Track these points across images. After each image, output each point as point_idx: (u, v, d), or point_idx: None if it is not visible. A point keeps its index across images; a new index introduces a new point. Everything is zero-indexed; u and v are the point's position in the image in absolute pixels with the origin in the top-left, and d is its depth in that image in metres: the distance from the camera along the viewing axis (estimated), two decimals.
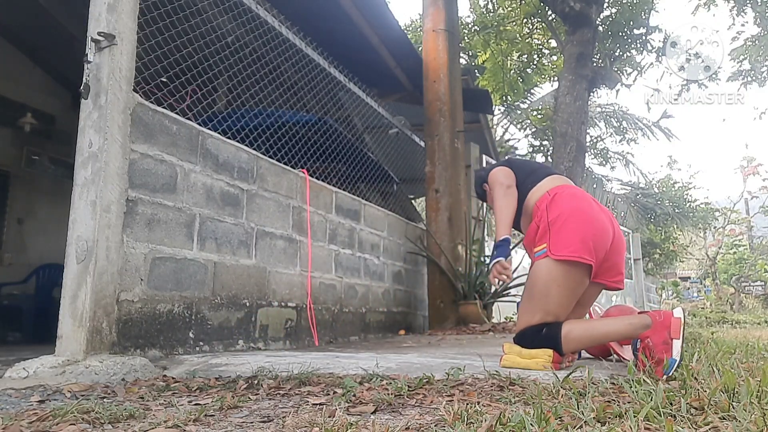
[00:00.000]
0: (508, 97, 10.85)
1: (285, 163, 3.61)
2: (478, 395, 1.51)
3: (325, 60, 4.49)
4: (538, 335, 2.15)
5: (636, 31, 8.21)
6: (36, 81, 6.41)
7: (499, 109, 14.20)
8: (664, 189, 19.35)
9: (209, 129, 2.95)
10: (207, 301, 2.80)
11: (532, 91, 13.67)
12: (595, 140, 17.00)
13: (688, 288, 28.85)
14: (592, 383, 1.51)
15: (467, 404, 1.32)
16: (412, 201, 7.84)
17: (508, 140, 17.05)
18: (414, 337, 4.57)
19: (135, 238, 2.38)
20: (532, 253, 2.30)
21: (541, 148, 14.96)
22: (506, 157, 2.91)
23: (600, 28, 7.69)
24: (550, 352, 2.07)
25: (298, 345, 3.52)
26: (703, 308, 18.68)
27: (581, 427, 1.10)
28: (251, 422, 1.29)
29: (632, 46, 8.46)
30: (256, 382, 1.81)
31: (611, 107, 17.14)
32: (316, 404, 1.46)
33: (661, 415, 1.13)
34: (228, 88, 3.84)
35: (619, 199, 17.62)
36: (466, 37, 10.75)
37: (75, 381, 1.90)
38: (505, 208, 2.35)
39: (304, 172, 3.75)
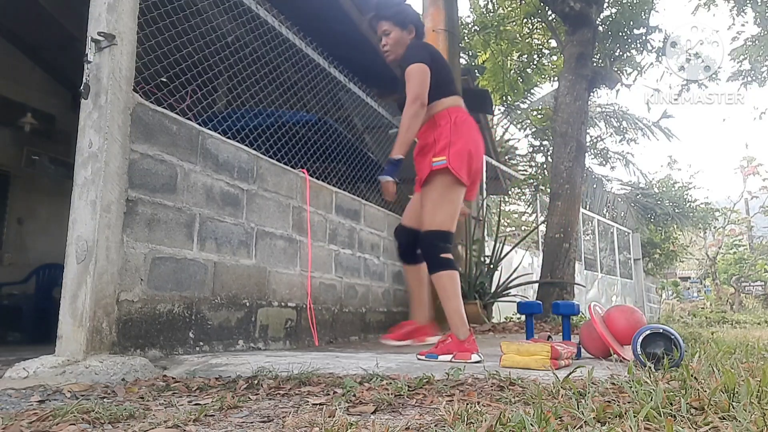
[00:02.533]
0: (508, 97, 10.85)
1: (285, 163, 3.61)
2: (478, 395, 1.51)
3: (325, 60, 4.49)
4: (438, 249, 2.54)
5: (636, 31, 8.20)
6: (36, 81, 6.41)
7: (499, 109, 14.20)
8: (664, 189, 19.34)
9: (209, 129, 2.95)
10: (207, 301, 2.80)
11: (532, 91, 13.66)
12: (595, 140, 16.99)
13: (688, 288, 28.88)
14: (592, 383, 1.51)
15: (467, 404, 1.31)
16: None
17: (508, 140, 17.05)
18: None
19: (135, 238, 2.38)
20: (425, 158, 2.61)
21: (541, 148, 14.96)
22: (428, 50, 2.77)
23: (600, 28, 7.68)
24: (548, 348, 2.10)
25: (298, 345, 3.52)
26: (703, 308, 18.71)
27: (581, 427, 1.10)
28: (251, 422, 1.29)
29: (632, 46, 8.45)
30: (256, 382, 1.81)
31: (611, 107, 17.14)
32: (316, 404, 1.45)
33: (661, 415, 1.13)
34: (228, 88, 3.84)
35: (619, 199, 17.61)
36: (466, 37, 10.74)
37: (75, 381, 1.90)
38: (410, 130, 2.57)
39: (304, 172, 3.75)
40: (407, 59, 2.62)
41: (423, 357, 2.52)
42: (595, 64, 7.56)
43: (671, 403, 1.23)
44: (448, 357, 2.44)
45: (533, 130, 14.84)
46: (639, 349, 2.04)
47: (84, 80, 2.30)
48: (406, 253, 2.83)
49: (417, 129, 2.60)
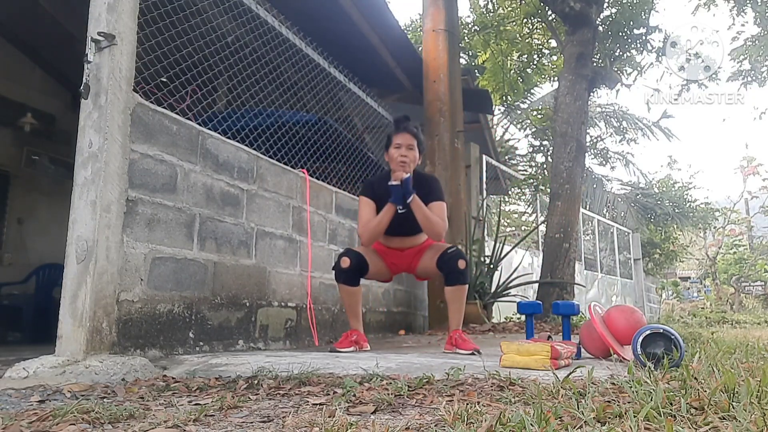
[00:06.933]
0: (508, 97, 10.83)
1: (285, 163, 3.61)
2: (478, 395, 1.51)
3: (325, 60, 4.49)
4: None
5: (636, 31, 8.19)
6: (36, 81, 6.41)
7: (499, 109, 14.18)
8: (664, 189, 19.32)
9: (209, 129, 2.95)
10: (207, 301, 2.80)
11: (532, 91, 13.65)
12: (595, 140, 16.98)
13: (688, 288, 28.86)
14: (592, 383, 1.51)
15: (467, 404, 1.31)
16: None
17: (508, 140, 17.04)
18: (414, 337, 4.57)
19: (135, 238, 2.38)
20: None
21: (541, 148, 14.95)
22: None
23: (600, 28, 7.67)
24: (548, 348, 2.10)
25: (298, 345, 3.52)
26: (703, 308, 18.69)
27: (581, 427, 1.10)
28: (251, 422, 1.29)
29: (632, 46, 8.43)
30: (256, 382, 1.81)
31: (611, 107, 17.12)
32: (316, 404, 1.45)
33: (661, 415, 1.13)
34: (228, 88, 3.84)
35: (619, 199, 17.61)
36: (466, 37, 10.74)
37: (75, 381, 1.90)
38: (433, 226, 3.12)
39: (304, 172, 3.75)
40: (437, 192, 3.13)
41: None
42: (595, 64, 7.56)
43: (671, 403, 1.23)
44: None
45: (533, 130, 14.82)
46: (639, 349, 2.03)
47: (84, 80, 2.30)
48: (355, 276, 3.14)
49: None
